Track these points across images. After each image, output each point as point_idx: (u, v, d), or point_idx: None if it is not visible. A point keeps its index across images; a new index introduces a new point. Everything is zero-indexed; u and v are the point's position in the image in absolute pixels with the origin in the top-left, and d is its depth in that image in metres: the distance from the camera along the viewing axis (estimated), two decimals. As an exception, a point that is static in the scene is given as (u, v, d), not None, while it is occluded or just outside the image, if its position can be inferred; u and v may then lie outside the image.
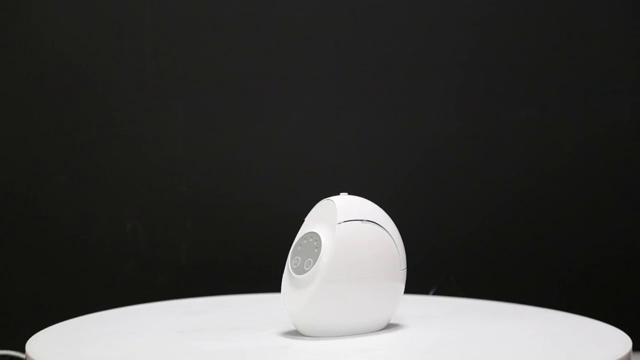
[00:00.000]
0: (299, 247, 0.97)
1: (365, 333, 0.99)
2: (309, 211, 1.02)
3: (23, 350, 0.93)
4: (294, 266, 0.96)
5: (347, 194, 1.00)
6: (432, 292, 1.51)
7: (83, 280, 1.54)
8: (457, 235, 1.60)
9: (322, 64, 1.59)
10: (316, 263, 0.95)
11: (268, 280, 1.42)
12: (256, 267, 1.56)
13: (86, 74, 1.54)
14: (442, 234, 1.60)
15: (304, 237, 0.98)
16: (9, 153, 1.53)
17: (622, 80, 1.60)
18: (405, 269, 1.01)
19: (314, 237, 0.97)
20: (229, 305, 1.22)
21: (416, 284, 1.52)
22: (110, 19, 1.55)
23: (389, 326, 1.03)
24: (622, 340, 0.95)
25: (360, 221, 0.98)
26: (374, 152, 1.60)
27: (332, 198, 0.99)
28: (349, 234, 0.96)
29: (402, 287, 1.01)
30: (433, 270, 1.56)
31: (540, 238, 1.60)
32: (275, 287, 1.22)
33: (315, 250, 0.96)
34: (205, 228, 1.57)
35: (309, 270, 0.95)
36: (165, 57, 1.56)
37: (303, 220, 1.01)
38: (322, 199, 1.01)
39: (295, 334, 0.99)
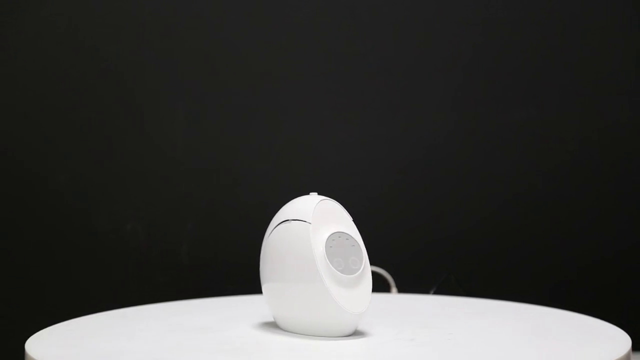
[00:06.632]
0: (330, 248, 0.96)
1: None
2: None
3: (22, 350, 0.93)
4: (339, 268, 0.95)
5: (317, 193, 1.01)
6: (432, 292, 1.51)
7: (83, 280, 1.54)
8: (457, 235, 1.60)
9: (322, 64, 1.59)
10: (364, 261, 0.97)
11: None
12: (256, 267, 1.56)
13: (86, 74, 1.54)
14: (442, 233, 1.60)
15: (331, 238, 0.96)
16: (9, 153, 1.53)
17: (621, 80, 1.60)
18: None
19: (344, 236, 0.97)
20: (231, 306, 1.22)
21: (416, 283, 1.52)
22: (111, 18, 1.55)
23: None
24: (622, 340, 0.95)
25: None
26: (374, 151, 1.60)
27: (327, 198, 1.00)
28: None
29: None
30: (433, 269, 1.56)
31: (540, 237, 1.60)
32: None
33: (353, 248, 0.97)
34: (205, 228, 1.57)
35: (358, 269, 0.96)
36: (167, 57, 1.56)
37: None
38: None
39: (308, 338, 0.98)
